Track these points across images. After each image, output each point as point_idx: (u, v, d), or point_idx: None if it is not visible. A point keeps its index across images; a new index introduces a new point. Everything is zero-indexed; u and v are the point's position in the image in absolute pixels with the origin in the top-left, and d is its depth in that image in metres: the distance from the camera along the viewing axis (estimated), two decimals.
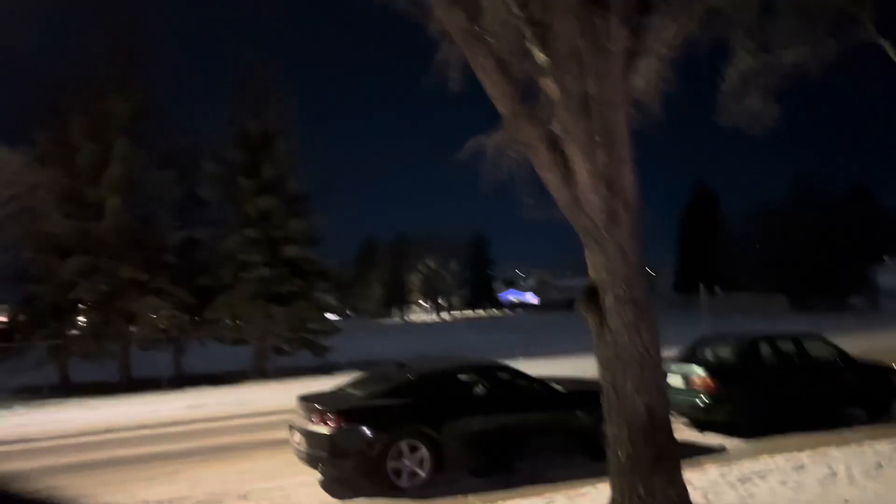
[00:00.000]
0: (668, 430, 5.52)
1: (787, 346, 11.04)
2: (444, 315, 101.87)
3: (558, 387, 9.13)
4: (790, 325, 17.23)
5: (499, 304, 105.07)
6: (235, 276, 23.92)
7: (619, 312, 5.32)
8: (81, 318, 23.09)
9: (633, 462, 5.32)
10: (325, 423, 7.86)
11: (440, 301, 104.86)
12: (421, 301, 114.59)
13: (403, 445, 7.92)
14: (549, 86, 5.34)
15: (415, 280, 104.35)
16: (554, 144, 5.31)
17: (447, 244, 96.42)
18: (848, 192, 56.61)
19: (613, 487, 5.47)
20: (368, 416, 8.03)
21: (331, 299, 26.27)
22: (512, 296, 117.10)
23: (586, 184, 5.18)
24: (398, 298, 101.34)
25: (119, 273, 21.94)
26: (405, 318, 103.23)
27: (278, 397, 18.34)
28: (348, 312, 66.49)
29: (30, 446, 12.46)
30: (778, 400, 10.25)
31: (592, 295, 5.51)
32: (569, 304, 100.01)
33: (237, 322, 24.10)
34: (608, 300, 5.34)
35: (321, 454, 7.85)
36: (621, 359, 5.38)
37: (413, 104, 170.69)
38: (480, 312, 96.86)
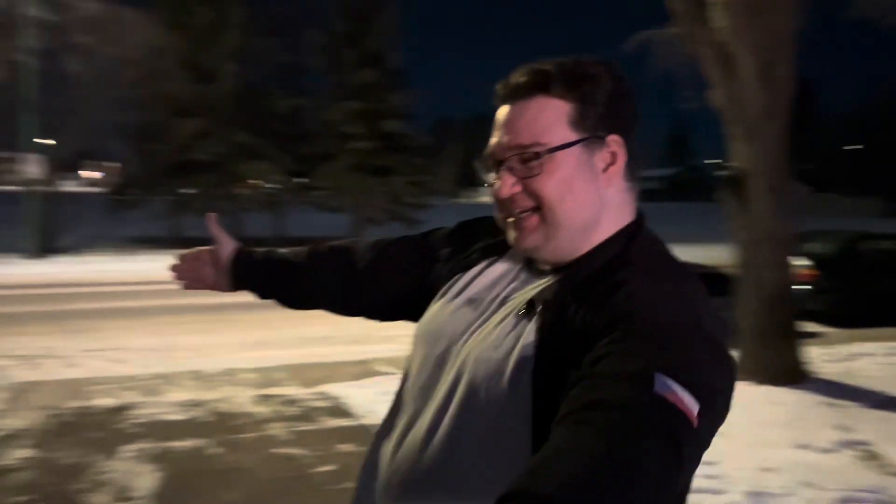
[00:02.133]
0: (790, 304, 6.31)
1: (887, 244, 11.49)
2: None
3: None
4: (886, 227, 17.30)
5: None
6: (337, 146, 25.04)
7: (762, 198, 5.99)
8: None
9: (759, 331, 6.15)
10: None
11: None
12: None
13: None
14: None
15: None
16: (720, 43, 5.82)
17: None
18: None
19: (741, 354, 6.34)
20: None
21: (424, 175, 27.23)
22: None
23: (749, 81, 5.72)
24: (470, 179, 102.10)
25: (231, 137, 23.34)
26: (477, 199, 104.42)
27: None
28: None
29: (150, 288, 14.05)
30: (876, 294, 10.82)
31: (737, 182, 6.17)
32: (646, 195, 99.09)
33: (340, 191, 25.43)
34: (754, 187, 6.01)
35: None
36: (756, 239, 6.11)
37: None
38: None
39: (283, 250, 1.46)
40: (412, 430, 1.06)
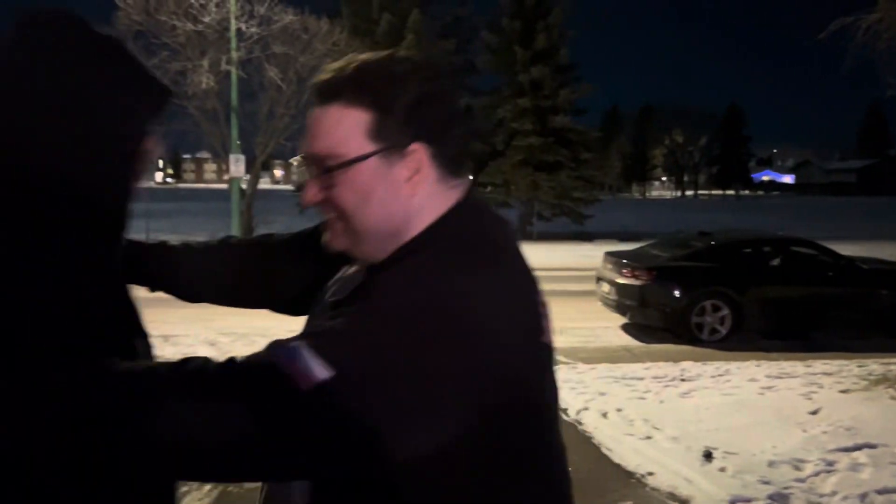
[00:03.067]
0: None
1: None
2: (688, 193, 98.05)
3: (863, 265, 9.37)
4: None
5: (751, 185, 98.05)
6: (506, 143, 25.56)
7: None
8: None
9: None
10: (636, 278, 8.99)
11: (684, 178, 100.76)
12: (663, 177, 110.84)
13: (707, 304, 8.82)
14: None
15: (658, 154, 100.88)
16: None
17: (697, 117, 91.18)
18: None
19: None
20: (676, 274, 9.00)
21: (592, 170, 27.06)
22: (766, 176, 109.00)
23: None
24: (638, 173, 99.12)
25: None
26: (645, 193, 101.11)
27: (548, 256, 20.04)
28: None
29: None
30: None
31: None
32: (832, 188, 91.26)
33: (508, 187, 25.95)
34: None
35: (631, 303, 9.03)
36: None
37: None
38: (729, 192, 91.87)
39: (175, 243, 1.36)
40: None
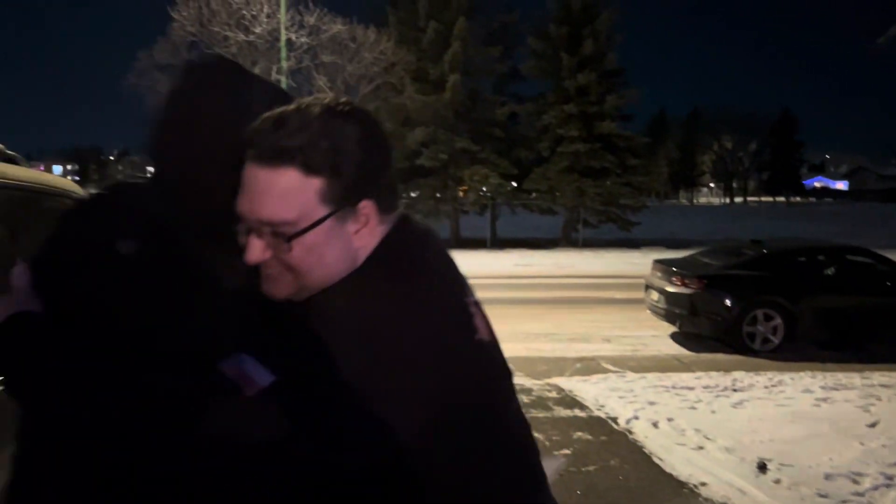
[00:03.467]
0: None
1: None
2: (737, 200, 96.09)
3: None
4: None
5: (802, 191, 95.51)
6: (552, 149, 25.49)
7: None
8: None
9: None
10: (687, 286, 8.89)
11: (733, 184, 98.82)
12: (711, 183, 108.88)
13: (759, 313, 8.68)
14: None
15: (706, 160, 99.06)
16: None
17: (747, 122, 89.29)
18: None
19: None
20: (728, 283, 8.88)
21: (639, 176, 26.78)
22: (818, 182, 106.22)
23: None
24: (686, 179, 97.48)
25: (454, 143, 24.71)
26: (693, 200, 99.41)
27: (594, 263, 19.92)
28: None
29: None
30: None
31: None
32: (888, 194, 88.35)
33: (553, 193, 25.87)
34: None
35: (681, 312, 8.93)
36: None
37: None
38: (780, 199, 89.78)
39: None
40: None
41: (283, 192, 0.95)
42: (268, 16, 20.83)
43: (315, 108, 0.97)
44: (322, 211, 0.96)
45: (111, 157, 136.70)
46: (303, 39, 21.07)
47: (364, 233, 1.00)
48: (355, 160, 0.96)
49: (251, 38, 20.87)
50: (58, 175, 2.87)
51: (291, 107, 0.98)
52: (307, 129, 0.95)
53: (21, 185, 2.18)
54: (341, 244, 0.98)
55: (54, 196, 2.34)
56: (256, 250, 0.97)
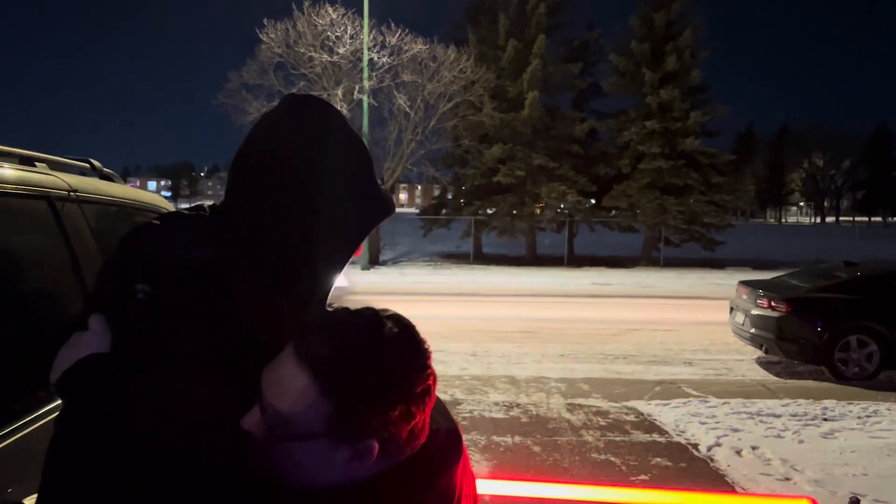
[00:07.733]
0: None
1: None
2: (829, 219, 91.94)
3: None
4: None
5: None
6: (632, 166, 25.05)
7: None
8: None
9: None
10: (774, 309, 8.54)
11: (825, 203, 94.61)
12: (800, 202, 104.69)
13: (853, 339, 8.25)
14: None
15: (795, 178, 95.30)
16: None
17: (839, 139, 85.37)
18: None
19: None
20: (819, 306, 8.48)
21: (724, 194, 25.96)
22: None
23: None
24: (774, 198, 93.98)
25: (531, 160, 24.64)
26: (781, 219, 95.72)
27: (676, 283, 19.39)
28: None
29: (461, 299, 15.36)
30: None
31: None
32: None
33: (633, 211, 25.40)
34: None
35: (767, 336, 8.58)
36: None
37: None
38: (876, 219, 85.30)
39: None
40: None
41: (300, 398, 0.93)
42: (351, 37, 21.38)
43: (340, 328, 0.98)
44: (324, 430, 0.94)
45: (202, 174, 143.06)
46: (384, 59, 21.51)
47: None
48: (366, 401, 0.94)
49: (335, 58, 21.45)
50: (151, 191, 3.05)
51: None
52: (340, 361, 0.94)
53: (114, 202, 2.34)
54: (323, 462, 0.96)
55: (143, 211, 2.50)
56: (252, 420, 0.96)
